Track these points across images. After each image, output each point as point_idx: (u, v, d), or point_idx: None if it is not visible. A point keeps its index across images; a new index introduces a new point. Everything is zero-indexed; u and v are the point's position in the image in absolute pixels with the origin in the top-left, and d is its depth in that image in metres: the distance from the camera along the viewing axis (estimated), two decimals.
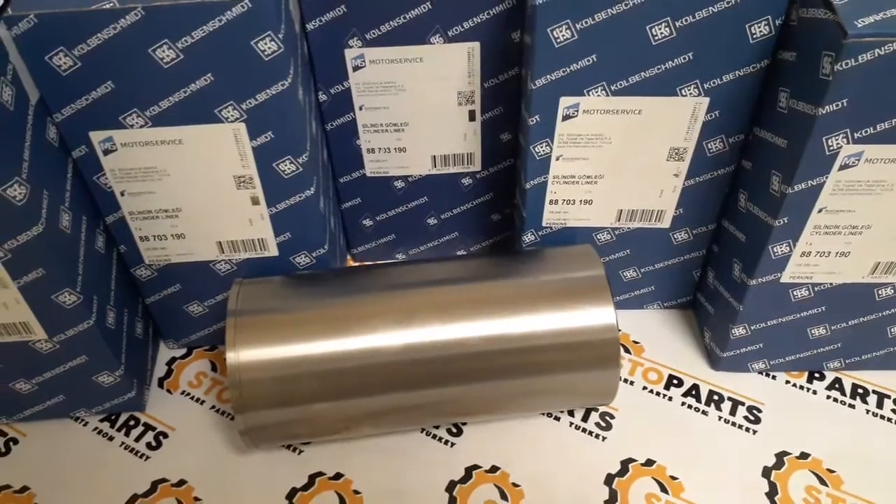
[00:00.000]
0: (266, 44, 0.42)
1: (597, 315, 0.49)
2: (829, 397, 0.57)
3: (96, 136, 0.45)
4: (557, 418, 0.56)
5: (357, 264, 0.68)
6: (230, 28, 0.41)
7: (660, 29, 0.44)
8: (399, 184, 0.61)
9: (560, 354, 0.49)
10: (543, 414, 0.56)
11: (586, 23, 0.44)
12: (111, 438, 0.55)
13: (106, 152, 0.46)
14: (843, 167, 0.43)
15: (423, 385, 0.48)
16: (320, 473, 0.52)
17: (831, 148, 0.42)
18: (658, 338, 0.62)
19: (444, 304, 0.49)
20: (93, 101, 0.43)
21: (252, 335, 0.47)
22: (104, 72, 0.42)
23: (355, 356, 0.47)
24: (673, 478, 0.52)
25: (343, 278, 0.52)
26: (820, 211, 0.46)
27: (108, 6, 0.39)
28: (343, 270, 0.55)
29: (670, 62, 0.45)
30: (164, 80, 0.43)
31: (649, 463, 0.53)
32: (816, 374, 0.59)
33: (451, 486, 0.51)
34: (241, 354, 0.47)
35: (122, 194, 0.49)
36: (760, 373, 0.59)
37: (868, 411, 0.56)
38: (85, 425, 0.56)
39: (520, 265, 0.52)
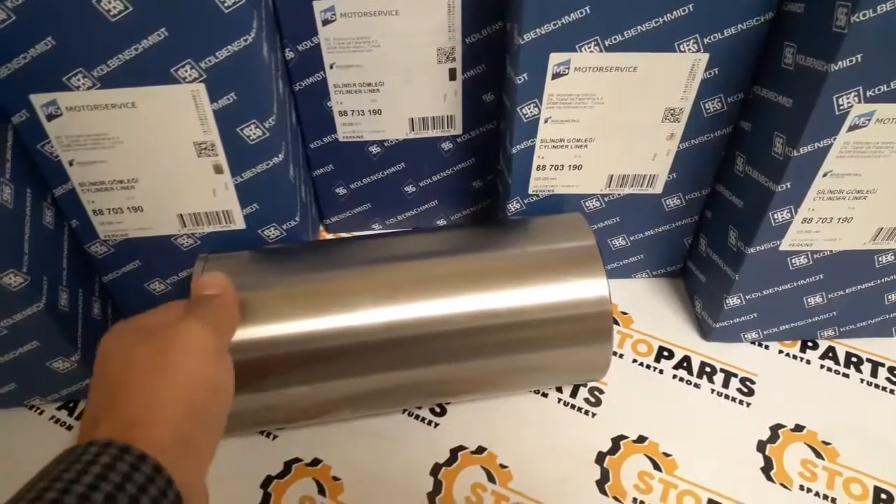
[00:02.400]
0: None
1: (589, 287, 0.46)
2: (822, 367, 0.56)
3: (38, 100, 0.41)
4: (545, 395, 0.53)
5: (331, 236, 0.64)
6: None
7: None
8: (374, 149, 0.57)
9: (550, 329, 0.46)
10: (530, 390, 0.53)
11: None
12: (69, 427, 0.51)
13: (50, 117, 0.42)
14: (853, 128, 0.41)
15: (406, 365, 0.45)
16: (297, 460, 0.49)
17: (841, 107, 0.40)
18: (647, 308, 0.59)
19: (427, 278, 0.46)
20: (32, 59, 0.39)
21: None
22: (43, 26, 0.38)
23: (332, 336, 0.44)
24: (666, 454, 0.50)
25: (317, 252, 0.49)
26: (825, 175, 0.43)
27: None
28: (316, 244, 0.52)
29: (669, 14, 0.42)
30: (112, 36, 0.38)
31: (641, 440, 0.51)
32: (809, 343, 0.57)
33: (435, 469, 0.49)
34: None
35: (71, 164, 0.44)
36: (753, 343, 0.57)
37: (862, 381, 0.55)
38: (41, 414, 0.52)
39: (506, 236, 0.49)
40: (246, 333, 0.43)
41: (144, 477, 0.28)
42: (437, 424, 0.51)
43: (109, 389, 0.32)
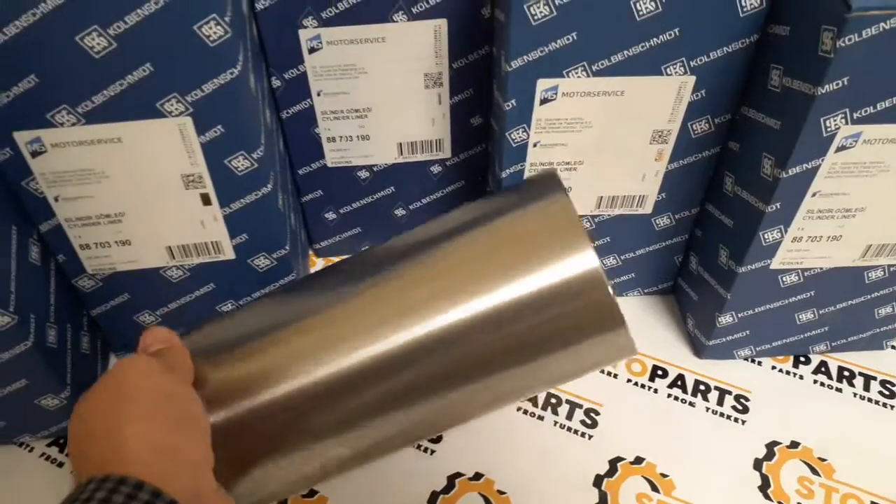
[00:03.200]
0: (211, 28, 0.37)
1: (573, 265, 0.37)
2: (815, 381, 0.56)
3: (22, 137, 0.40)
4: (541, 417, 0.53)
5: (322, 262, 0.64)
6: (169, 11, 0.36)
7: (644, 3, 0.40)
8: (363, 174, 0.57)
9: (544, 329, 0.38)
10: (525, 413, 0.53)
11: None
12: (60, 464, 0.51)
13: (34, 154, 0.41)
14: (841, 149, 0.41)
15: (399, 406, 0.39)
16: None
17: (829, 129, 0.40)
18: (640, 326, 0.59)
19: (389, 313, 0.38)
20: (14, 97, 0.38)
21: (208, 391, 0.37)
22: (26, 64, 0.37)
23: (318, 388, 0.38)
24: (663, 475, 0.50)
25: (287, 296, 0.42)
26: (814, 195, 0.43)
27: None
28: (268, 296, 0.44)
29: (655, 39, 0.42)
30: (97, 72, 0.38)
31: (638, 461, 0.51)
32: (802, 359, 0.57)
33: (433, 498, 0.48)
34: None
35: (56, 200, 0.44)
36: (746, 359, 0.57)
37: (855, 395, 0.55)
38: (31, 451, 0.51)
39: (467, 225, 0.40)
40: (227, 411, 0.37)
41: (124, 497, 0.27)
42: (432, 451, 0.51)
43: (77, 445, 0.31)
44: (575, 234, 0.37)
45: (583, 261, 0.37)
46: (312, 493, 0.49)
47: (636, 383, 0.55)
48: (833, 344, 0.56)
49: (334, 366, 0.38)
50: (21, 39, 0.36)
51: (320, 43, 0.47)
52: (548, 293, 0.37)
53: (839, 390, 0.55)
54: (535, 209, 0.39)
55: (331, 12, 0.45)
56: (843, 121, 0.39)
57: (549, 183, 0.40)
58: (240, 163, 0.43)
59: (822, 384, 0.56)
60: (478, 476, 0.49)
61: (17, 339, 0.43)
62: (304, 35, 0.47)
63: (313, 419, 0.38)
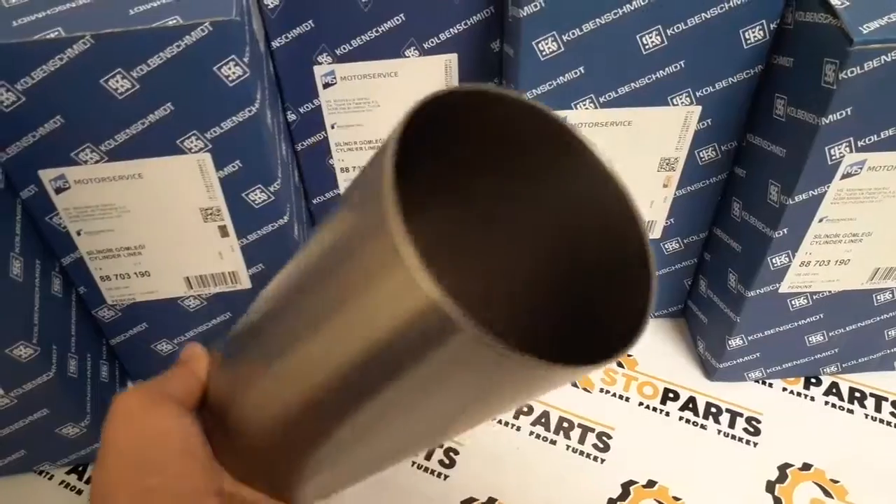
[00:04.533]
0: (230, 69, 0.38)
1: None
2: (827, 403, 0.56)
3: (46, 175, 0.41)
4: (553, 442, 0.53)
5: None
6: (190, 54, 0.37)
7: (651, 37, 0.41)
8: None
9: None
10: (538, 438, 0.53)
11: (573, 34, 0.41)
12: (79, 492, 0.51)
13: (58, 191, 0.42)
14: (846, 176, 0.42)
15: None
16: None
17: (834, 157, 0.40)
18: (650, 350, 0.60)
19: None
20: (40, 137, 0.39)
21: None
22: (52, 106, 0.38)
23: None
24: (676, 499, 0.50)
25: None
26: (821, 220, 0.44)
27: (52, 35, 0.36)
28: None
29: (661, 71, 0.43)
30: (119, 112, 0.39)
31: (651, 484, 0.51)
32: (813, 380, 0.57)
33: None
34: None
35: (79, 234, 0.45)
36: (757, 381, 0.57)
37: (867, 416, 0.55)
38: (50, 479, 0.52)
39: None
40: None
41: None
42: (446, 476, 0.51)
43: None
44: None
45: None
46: None
47: (648, 406, 0.56)
48: (844, 365, 0.56)
49: None
50: (48, 82, 0.37)
51: (334, 78, 0.48)
52: None
53: (850, 411, 0.55)
54: None
55: (345, 49, 0.47)
56: (848, 149, 0.40)
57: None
58: (257, 196, 0.44)
59: (834, 405, 0.56)
60: (491, 501, 0.50)
61: (40, 369, 0.44)
62: (319, 71, 0.48)
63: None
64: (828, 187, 0.42)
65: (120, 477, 0.30)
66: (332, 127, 0.51)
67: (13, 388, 0.44)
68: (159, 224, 0.45)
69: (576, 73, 0.43)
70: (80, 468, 0.53)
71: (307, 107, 0.50)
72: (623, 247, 0.28)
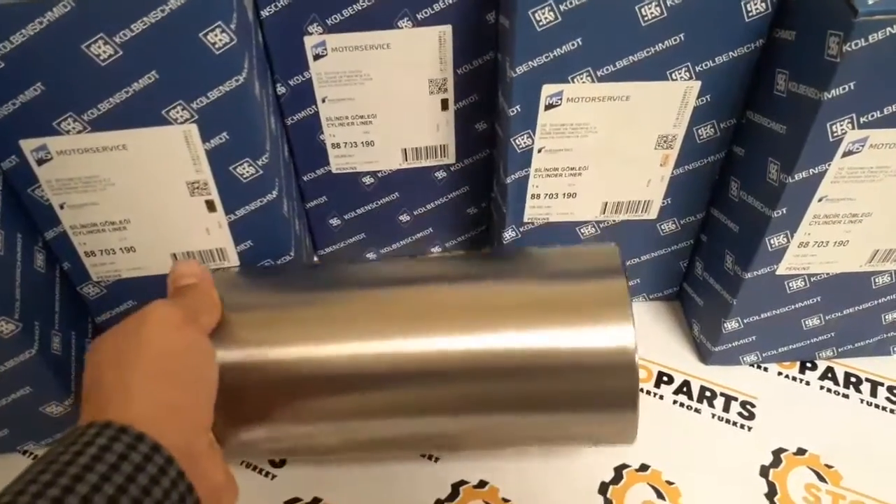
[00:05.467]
0: (216, 35, 0.37)
1: (613, 337, 0.39)
2: (822, 387, 0.55)
3: (28, 145, 0.40)
4: None
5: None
6: (175, 19, 0.36)
7: (650, 9, 0.40)
8: (368, 180, 0.57)
9: (558, 383, 0.40)
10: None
11: (571, 3, 0.40)
12: None
13: (40, 162, 0.41)
14: (847, 154, 0.41)
15: (399, 410, 0.41)
16: (296, 500, 0.48)
17: (835, 134, 0.40)
18: (645, 332, 0.59)
19: (432, 310, 0.41)
20: (21, 105, 0.38)
21: (224, 334, 0.40)
22: (32, 72, 0.37)
23: (319, 365, 0.40)
24: (669, 483, 0.50)
25: (328, 273, 0.45)
26: (820, 200, 0.43)
27: None
28: (328, 266, 0.48)
29: (660, 44, 0.42)
30: (102, 80, 0.38)
31: (644, 468, 0.50)
32: (808, 364, 0.57)
33: None
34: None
35: (62, 207, 0.44)
36: (752, 365, 0.57)
37: (862, 401, 0.55)
38: (34, 459, 0.51)
39: (522, 264, 0.44)
40: (244, 355, 0.40)
41: (124, 446, 0.28)
42: (437, 459, 0.51)
43: (88, 390, 0.32)
44: (622, 313, 0.39)
45: (622, 337, 0.39)
46: (317, 500, 0.48)
47: (641, 389, 0.55)
48: (840, 350, 0.56)
49: (356, 350, 0.40)
50: (27, 48, 0.36)
51: (325, 50, 0.47)
52: (583, 352, 0.39)
53: (846, 396, 0.55)
54: (591, 279, 0.41)
55: (336, 19, 0.45)
56: (850, 125, 0.39)
57: (609, 258, 0.42)
58: (245, 169, 0.43)
59: (829, 390, 0.55)
60: (482, 483, 0.49)
61: (21, 346, 0.43)
62: (309, 42, 0.47)
63: (317, 398, 0.40)
64: (828, 165, 0.41)
65: (146, 385, 0.32)
66: (323, 101, 0.50)
67: None
68: (145, 198, 0.44)
69: (573, 44, 0.42)
70: None
71: (297, 79, 0.49)
72: None
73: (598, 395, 0.40)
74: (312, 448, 0.45)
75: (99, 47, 0.37)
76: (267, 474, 0.50)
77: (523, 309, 0.40)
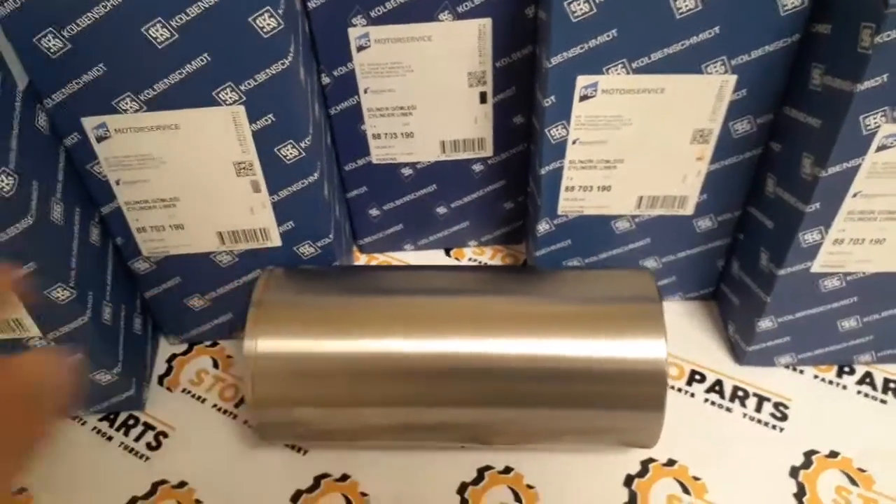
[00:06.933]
0: (265, 20, 0.39)
1: (645, 347, 0.45)
2: (859, 392, 0.54)
3: (89, 123, 0.43)
4: None
5: (365, 257, 0.66)
6: (226, 4, 0.38)
7: (685, 1, 0.41)
8: (406, 171, 0.58)
9: (596, 386, 0.45)
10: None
11: None
12: (110, 438, 0.53)
13: (99, 139, 0.44)
14: (881, 148, 0.40)
15: (448, 402, 0.46)
16: (326, 475, 0.50)
17: (868, 127, 0.40)
18: (679, 331, 0.59)
19: (483, 316, 0.47)
20: (84, 84, 0.41)
21: (274, 326, 0.46)
22: (96, 53, 0.40)
23: (379, 360, 0.45)
24: (695, 478, 0.49)
25: (378, 277, 0.51)
26: (855, 195, 0.43)
27: None
28: (377, 269, 0.54)
29: (695, 37, 0.43)
30: (159, 61, 0.40)
31: (670, 463, 0.50)
32: (846, 369, 0.56)
33: (462, 489, 0.49)
34: (259, 344, 0.45)
35: (118, 183, 0.47)
36: (787, 367, 0.56)
37: None
38: (83, 425, 0.54)
39: (568, 282, 0.50)
40: (297, 346, 0.45)
41: None
42: (463, 444, 0.52)
43: None
44: (657, 330, 0.46)
45: (655, 350, 0.45)
46: (345, 477, 0.50)
47: (672, 387, 0.55)
48: (879, 354, 0.55)
49: (421, 349, 0.45)
50: (92, 30, 0.39)
51: (368, 41, 0.49)
52: (618, 359, 0.45)
53: (884, 402, 0.54)
54: (629, 301, 0.48)
55: (379, 11, 0.47)
56: (884, 118, 0.39)
57: (646, 284, 0.48)
58: (288, 151, 0.45)
59: (867, 395, 0.54)
60: (507, 469, 0.50)
61: (75, 313, 0.46)
62: (354, 33, 0.49)
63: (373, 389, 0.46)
64: (862, 160, 0.41)
65: None
66: (365, 91, 0.52)
67: (50, 331, 0.46)
68: (194, 177, 0.46)
69: (608, 35, 0.43)
70: (112, 416, 0.54)
71: (341, 70, 0.51)
72: None
73: (629, 397, 0.45)
74: (357, 433, 0.48)
75: (157, 30, 0.39)
76: (299, 450, 0.52)
77: (570, 321, 0.46)
